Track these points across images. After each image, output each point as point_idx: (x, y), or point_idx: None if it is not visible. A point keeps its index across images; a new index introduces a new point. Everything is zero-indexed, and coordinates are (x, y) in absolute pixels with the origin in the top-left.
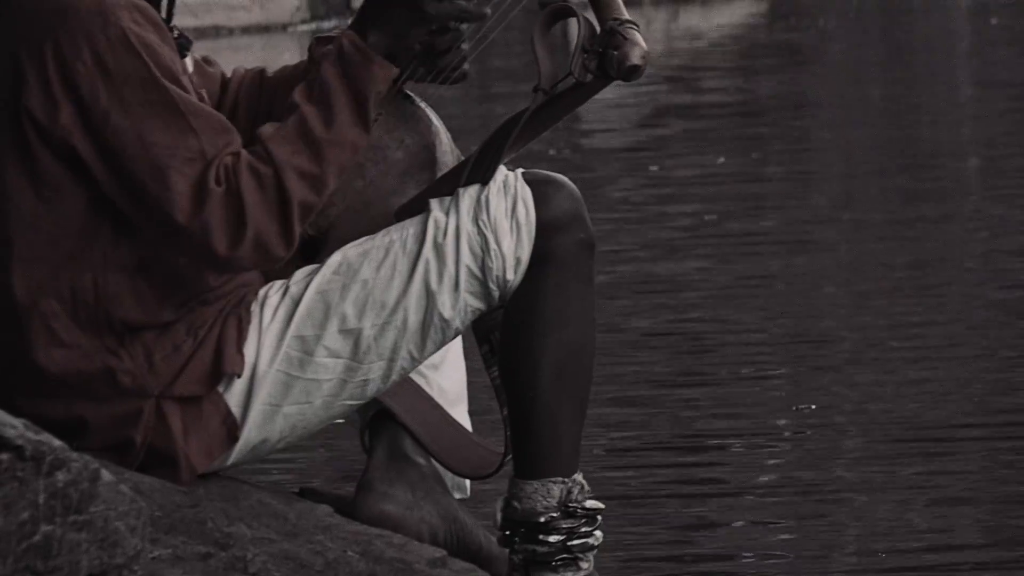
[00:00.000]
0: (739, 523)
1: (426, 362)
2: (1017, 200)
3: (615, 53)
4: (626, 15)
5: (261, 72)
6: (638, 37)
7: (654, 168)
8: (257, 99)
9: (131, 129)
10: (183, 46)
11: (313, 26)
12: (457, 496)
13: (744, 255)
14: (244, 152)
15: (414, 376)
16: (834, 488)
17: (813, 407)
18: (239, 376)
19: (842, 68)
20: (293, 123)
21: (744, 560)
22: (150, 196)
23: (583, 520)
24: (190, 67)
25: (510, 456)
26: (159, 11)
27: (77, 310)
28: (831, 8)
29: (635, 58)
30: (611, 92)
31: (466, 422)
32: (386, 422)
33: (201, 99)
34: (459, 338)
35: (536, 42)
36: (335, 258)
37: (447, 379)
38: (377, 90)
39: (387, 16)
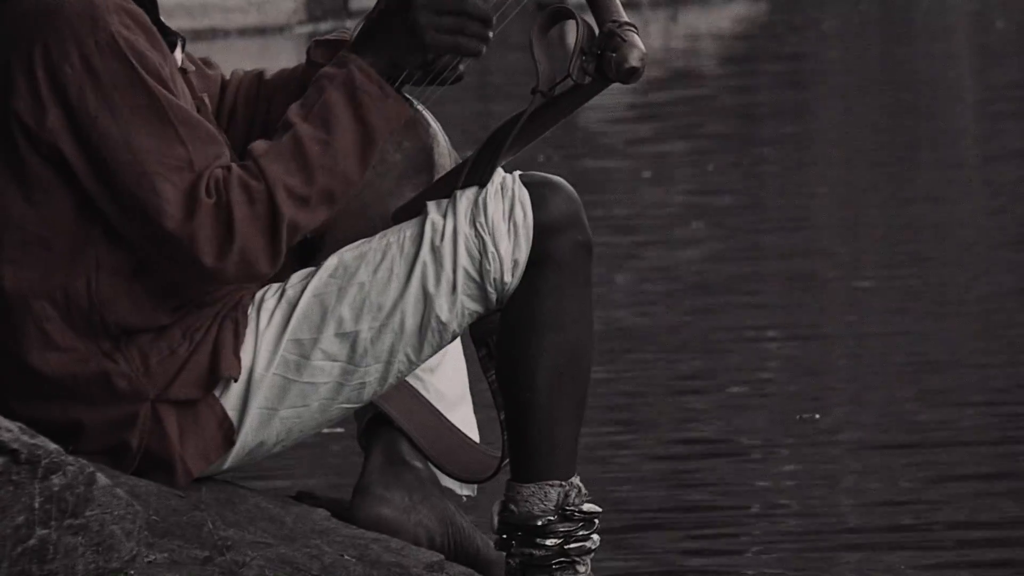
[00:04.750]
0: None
1: (423, 365)
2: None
3: (614, 55)
4: (625, 17)
5: (259, 75)
6: (637, 39)
7: (647, 174)
8: (255, 102)
9: (119, 134)
10: (172, 43)
11: (310, 28)
12: (465, 493)
13: (738, 261)
14: (235, 166)
15: (411, 380)
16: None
17: (817, 416)
18: (235, 380)
19: (843, 71)
20: (288, 142)
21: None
22: (138, 202)
23: (580, 523)
24: (179, 60)
25: (508, 460)
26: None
27: (71, 313)
28: (832, 10)
29: (634, 60)
30: (607, 94)
31: (469, 424)
32: (383, 426)
33: (202, 102)
34: (458, 340)
35: (534, 44)
36: (332, 261)
37: (444, 382)
38: (392, 128)
39: (387, 42)
